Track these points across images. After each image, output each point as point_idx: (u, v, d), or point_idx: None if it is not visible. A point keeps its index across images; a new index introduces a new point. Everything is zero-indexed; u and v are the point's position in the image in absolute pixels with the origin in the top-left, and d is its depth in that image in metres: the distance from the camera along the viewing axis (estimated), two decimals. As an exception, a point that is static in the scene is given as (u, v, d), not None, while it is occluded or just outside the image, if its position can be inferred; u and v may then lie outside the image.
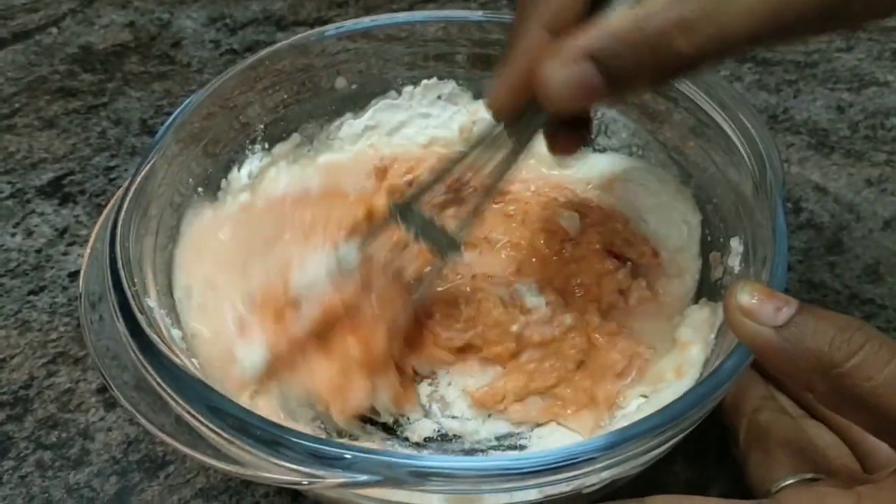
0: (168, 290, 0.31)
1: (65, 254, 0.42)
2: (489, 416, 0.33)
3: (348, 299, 0.31)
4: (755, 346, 0.24)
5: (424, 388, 0.34)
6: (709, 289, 0.35)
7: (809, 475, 0.27)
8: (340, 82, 0.40)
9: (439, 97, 0.41)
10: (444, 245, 0.30)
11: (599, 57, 0.23)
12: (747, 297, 0.24)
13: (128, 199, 0.30)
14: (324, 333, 0.31)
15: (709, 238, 0.36)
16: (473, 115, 0.41)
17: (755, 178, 0.31)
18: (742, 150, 0.33)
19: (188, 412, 0.24)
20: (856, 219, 0.44)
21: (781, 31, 0.22)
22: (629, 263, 0.36)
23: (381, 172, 0.39)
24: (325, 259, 0.32)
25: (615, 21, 0.23)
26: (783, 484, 0.27)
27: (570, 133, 0.29)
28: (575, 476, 0.23)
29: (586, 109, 0.27)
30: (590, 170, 0.40)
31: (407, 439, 0.32)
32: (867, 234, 0.43)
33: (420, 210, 0.30)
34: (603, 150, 0.40)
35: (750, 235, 0.32)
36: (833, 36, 0.56)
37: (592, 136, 0.29)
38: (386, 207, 0.33)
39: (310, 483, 0.23)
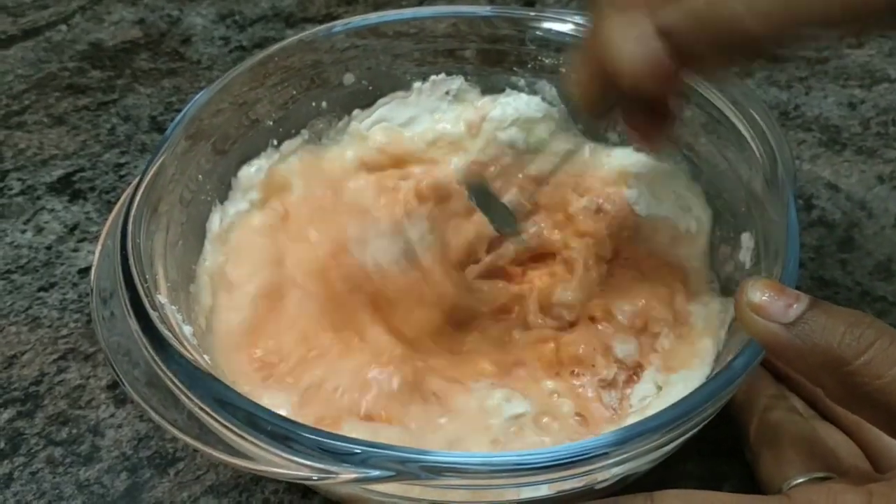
0: (179, 286, 0.31)
1: (75, 250, 0.42)
2: None
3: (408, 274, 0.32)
4: (765, 342, 0.24)
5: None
6: (719, 284, 0.34)
7: (820, 474, 0.27)
8: (349, 78, 0.40)
9: (447, 93, 0.41)
10: (505, 221, 0.32)
11: (672, 34, 0.23)
12: (758, 293, 0.24)
13: (138, 195, 0.30)
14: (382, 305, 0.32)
15: (719, 233, 0.36)
16: (482, 111, 0.41)
17: (766, 175, 0.31)
18: (753, 146, 0.32)
19: (199, 408, 0.24)
20: (867, 216, 0.43)
21: (853, 17, 0.21)
22: None
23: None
24: (391, 233, 0.33)
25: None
26: (794, 483, 0.27)
27: (651, 121, 0.29)
28: (587, 471, 0.23)
29: (663, 93, 0.27)
30: (603, 166, 0.40)
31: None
32: (879, 231, 0.43)
33: (487, 185, 0.32)
34: (614, 145, 0.40)
35: (761, 231, 0.31)
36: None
37: (675, 126, 0.30)
38: (457, 179, 0.35)
39: (320, 478, 0.23)
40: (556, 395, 0.31)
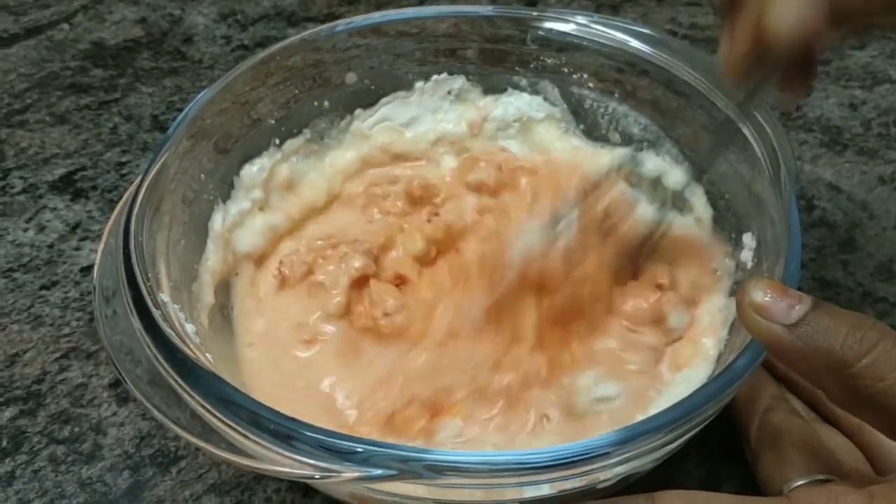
0: (181, 285, 0.31)
1: (77, 249, 0.43)
2: None
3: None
4: (767, 343, 0.24)
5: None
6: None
7: (821, 476, 0.27)
8: (351, 78, 0.40)
9: (449, 93, 0.41)
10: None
11: None
12: (760, 293, 0.24)
13: (141, 194, 0.30)
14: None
15: (721, 233, 0.36)
16: (483, 110, 0.41)
17: (769, 175, 0.31)
18: (756, 147, 0.32)
19: (202, 406, 0.24)
20: (869, 217, 0.43)
21: None
22: None
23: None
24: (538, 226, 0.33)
25: None
26: (795, 484, 0.27)
27: (797, 76, 0.29)
28: (589, 471, 0.23)
29: (814, 51, 0.28)
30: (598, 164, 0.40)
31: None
32: (880, 232, 0.43)
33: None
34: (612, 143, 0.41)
35: (763, 232, 0.31)
36: (846, 34, 0.55)
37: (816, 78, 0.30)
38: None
39: (323, 477, 0.23)
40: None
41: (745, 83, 0.29)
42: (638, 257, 0.34)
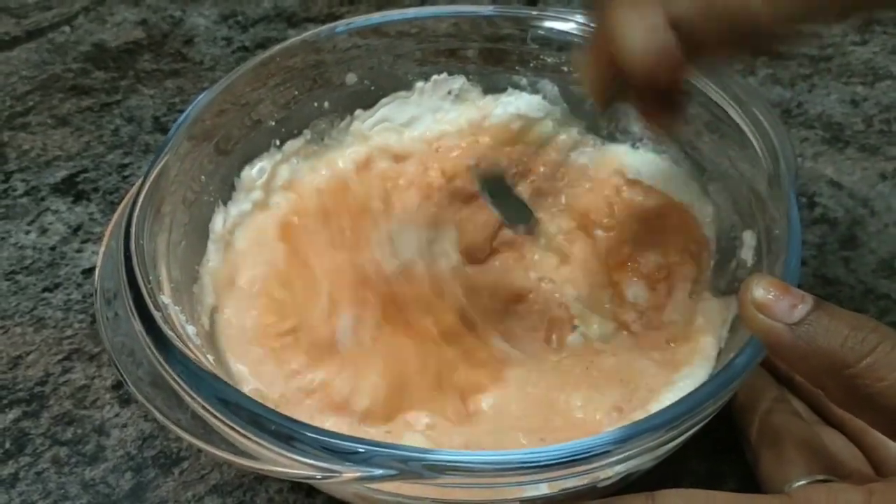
0: (182, 287, 0.32)
1: (79, 251, 0.43)
2: None
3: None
4: (768, 341, 0.24)
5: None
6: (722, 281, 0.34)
7: (821, 477, 0.27)
8: (351, 78, 0.40)
9: (450, 93, 0.41)
10: (520, 215, 0.32)
11: (683, 24, 0.23)
12: (762, 291, 0.24)
13: (141, 196, 0.30)
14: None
15: (721, 231, 0.36)
16: (484, 110, 0.41)
17: (769, 173, 0.31)
18: (756, 144, 0.32)
19: (203, 407, 0.24)
20: (870, 213, 0.43)
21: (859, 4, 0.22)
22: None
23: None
24: (412, 234, 0.33)
25: None
26: (795, 484, 0.27)
27: (665, 107, 0.29)
28: (590, 469, 0.23)
29: (671, 83, 0.27)
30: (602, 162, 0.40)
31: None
32: (882, 228, 0.42)
33: (503, 178, 0.32)
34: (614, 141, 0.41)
35: (763, 229, 0.31)
36: (847, 29, 0.55)
37: (685, 113, 0.30)
38: (469, 173, 0.35)
39: (324, 477, 0.23)
40: None
41: (606, 106, 0.29)
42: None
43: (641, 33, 0.24)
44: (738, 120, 0.33)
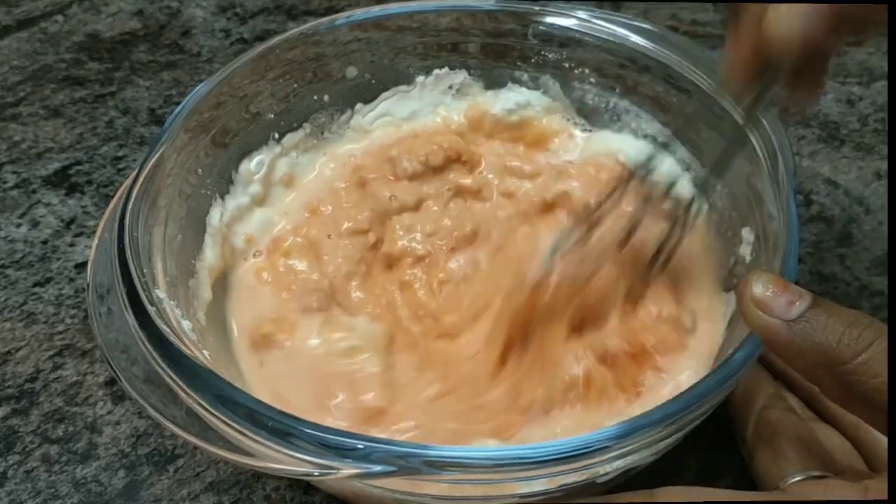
0: (178, 281, 0.31)
1: (71, 245, 0.42)
2: None
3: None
4: (765, 337, 0.24)
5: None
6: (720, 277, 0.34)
7: (817, 472, 0.27)
8: (351, 72, 0.39)
9: (451, 87, 0.41)
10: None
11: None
12: (761, 288, 0.24)
13: (136, 189, 0.29)
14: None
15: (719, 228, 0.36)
16: (484, 105, 0.41)
17: (767, 170, 0.31)
18: (754, 142, 0.32)
19: (199, 404, 0.24)
20: (865, 211, 0.44)
21: None
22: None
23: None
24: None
25: None
26: (791, 481, 0.27)
27: (804, 82, 0.29)
28: (589, 465, 0.23)
29: (822, 54, 0.28)
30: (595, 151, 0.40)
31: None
32: (877, 226, 0.43)
33: None
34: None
35: (761, 226, 0.32)
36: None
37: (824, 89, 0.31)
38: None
39: (322, 474, 0.23)
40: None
41: (748, 89, 0.29)
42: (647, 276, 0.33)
43: (798, 15, 0.24)
44: (737, 117, 0.33)
